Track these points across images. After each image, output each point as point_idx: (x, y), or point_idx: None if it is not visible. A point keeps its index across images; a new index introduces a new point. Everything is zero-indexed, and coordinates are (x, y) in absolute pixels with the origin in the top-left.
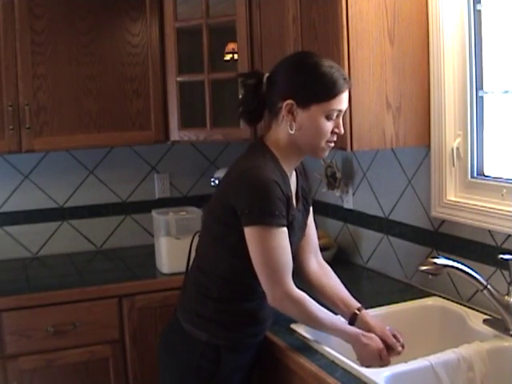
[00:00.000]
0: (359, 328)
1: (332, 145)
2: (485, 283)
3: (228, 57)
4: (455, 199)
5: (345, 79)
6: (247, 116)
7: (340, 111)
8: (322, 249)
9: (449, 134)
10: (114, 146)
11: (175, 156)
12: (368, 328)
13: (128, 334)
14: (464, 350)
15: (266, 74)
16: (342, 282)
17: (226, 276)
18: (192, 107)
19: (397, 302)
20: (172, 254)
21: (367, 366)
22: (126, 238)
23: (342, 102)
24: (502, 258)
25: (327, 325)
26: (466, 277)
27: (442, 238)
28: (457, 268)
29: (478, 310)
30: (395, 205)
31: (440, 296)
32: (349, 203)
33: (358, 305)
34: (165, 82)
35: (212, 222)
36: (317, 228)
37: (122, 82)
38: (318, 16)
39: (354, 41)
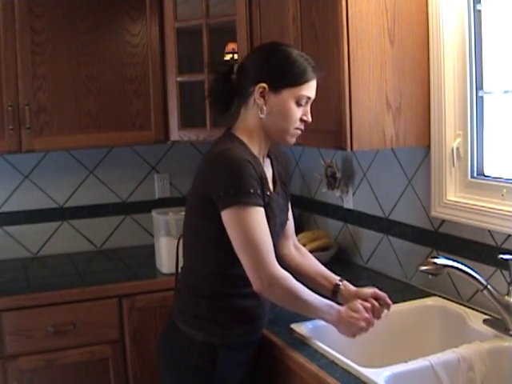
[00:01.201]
0: (344, 298)
1: (299, 132)
2: (485, 283)
3: (228, 57)
4: (455, 199)
5: (313, 68)
6: (217, 104)
7: (309, 98)
8: (322, 249)
9: (449, 134)
10: (114, 146)
11: (175, 156)
12: (352, 296)
13: (128, 334)
14: (464, 350)
15: (237, 63)
16: None
17: (214, 271)
18: (192, 107)
19: (397, 302)
20: (172, 254)
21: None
22: (126, 238)
23: (311, 89)
24: (502, 258)
25: (315, 304)
26: (466, 277)
27: (442, 237)
28: (457, 268)
29: (478, 310)
30: (395, 205)
31: (440, 296)
32: (349, 203)
33: (338, 277)
34: (165, 82)
35: (193, 219)
36: (317, 228)
37: (122, 82)
38: (318, 16)
39: (353, 41)
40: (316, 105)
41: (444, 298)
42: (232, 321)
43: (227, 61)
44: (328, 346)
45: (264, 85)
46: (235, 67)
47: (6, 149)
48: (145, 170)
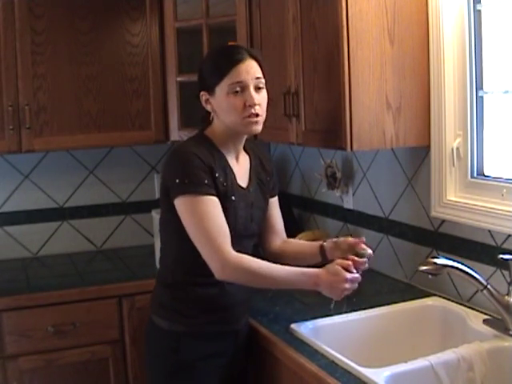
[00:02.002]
0: (331, 255)
1: (254, 119)
2: (485, 283)
3: None
4: (455, 199)
5: (239, 53)
6: (205, 121)
7: (240, 82)
8: None
9: (449, 134)
10: (114, 146)
11: None
12: (334, 250)
13: (128, 334)
14: (464, 350)
15: None
16: None
17: (177, 260)
18: (192, 107)
19: (397, 302)
20: None
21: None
22: (126, 238)
23: (239, 74)
24: (502, 258)
25: (282, 275)
26: (466, 277)
27: (442, 237)
28: (457, 268)
29: (478, 310)
30: (395, 205)
31: (440, 296)
32: (349, 203)
33: (320, 241)
34: (165, 81)
35: (161, 213)
36: (317, 228)
37: (122, 81)
38: (318, 16)
39: (353, 41)
40: (316, 105)
41: (444, 297)
42: (195, 309)
43: None
44: (328, 346)
45: (203, 92)
46: None
47: (6, 149)
48: (145, 170)
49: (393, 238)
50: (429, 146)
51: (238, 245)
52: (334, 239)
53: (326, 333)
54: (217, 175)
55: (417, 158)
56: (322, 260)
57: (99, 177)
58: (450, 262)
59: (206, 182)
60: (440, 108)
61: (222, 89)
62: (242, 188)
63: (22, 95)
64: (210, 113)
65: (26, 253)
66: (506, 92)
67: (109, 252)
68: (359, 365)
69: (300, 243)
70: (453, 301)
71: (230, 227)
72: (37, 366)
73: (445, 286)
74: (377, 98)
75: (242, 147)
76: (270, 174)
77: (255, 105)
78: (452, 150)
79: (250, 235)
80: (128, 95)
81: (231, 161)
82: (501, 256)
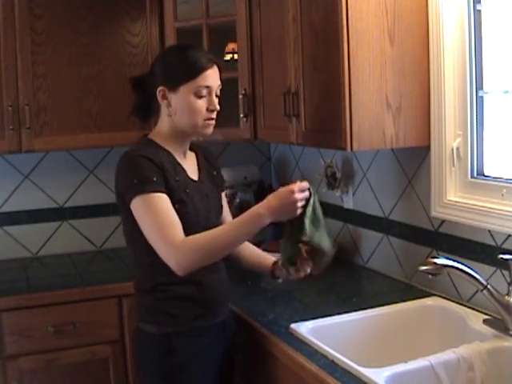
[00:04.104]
0: (280, 274)
1: (211, 122)
2: (485, 283)
3: (228, 57)
4: (455, 199)
5: (208, 58)
6: (136, 113)
7: (208, 87)
8: None
9: (449, 134)
10: (114, 146)
11: None
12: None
13: (128, 334)
14: (464, 350)
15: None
16: (341, 281)
17: (148, 263)
18: None
19: (397, 302)
20: None
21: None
22: None
23: (208, 78)
24: (502, 258)
25: (231, 229)
26: (466, 277)
27: (442, 238)
28: (457, 268)
29: (478, 310)
30: (395, 205)
31: (440, 296)
32: (349, 203)
33: (273, 258)
34: None
35: (123, 225)
36: None
37: (122, 82)
38: (317, 16)
39: (353, 41)
40: (316, 105)
41: (444, 297)
42: (179, 308)
43: (141, 74)
44: (328, 346)
45: (162, 87)
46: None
47: (6, 149)
48: None
49: (393, 238)
50: (429, 146)
51: None
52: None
53: (325, 333)
54: (168, 171)
55: (417, 158)
56: (272, 275)
57: (99, 177)
58: (450, 262)
59: (155, 179)
60: (440, 108)
61: (188, 89)
62: (194, 181)
63: (21, 95)
64: (150, 112)
65: (26, 253)
66: (506, 92)
67: (109, 252)
68: (359, 365)
69: (252, 252)
70: (453, 301)
71: (192, 220)
72: (37, 365)
73: (445, 286)
74: (377, 98)
75: (188, 146)
76: (216, 169)
77: (216, 110)
78: (452, 149)
79: (211, 225)
80: (128, 95)
81: (179, 158)
82: (501, 256)
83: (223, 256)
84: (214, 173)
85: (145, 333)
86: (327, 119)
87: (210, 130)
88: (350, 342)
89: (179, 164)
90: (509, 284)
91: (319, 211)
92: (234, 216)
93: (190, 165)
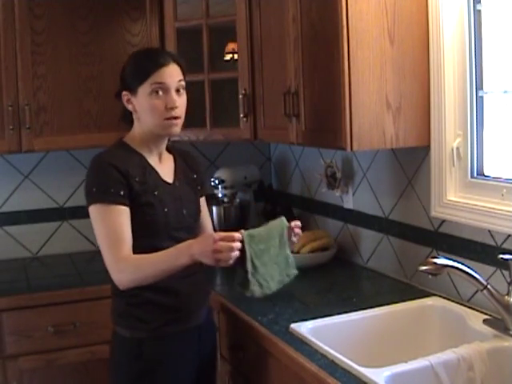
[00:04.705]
0: None
1: (174, 121)
2: (485, 283)
3: (228, 57)
4: (455, 199)
5: (164, 57)
6: (123, 121)
7: (162, 84)
8: (322, 249)
9: (449, 134)
10: None
11: None
12: None
13: None
14: (464, 350)
15: None
16: (341, 281)
17: None
18: (192, 107)
19: (397, 302)
20: None
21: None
22: None
23: (162, 75)
24: (502, 258)
25: (159, 257)
26: (466, 277)
27: (442, 238)
28: (457, 268)
29: (478, 310)
30: (395, 205)
31: (440, 296)
32: (349, 203)
33: None
34: None
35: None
36: (317, 228)
37: None
38: (317, 16)
39: (353, 41)
40: (316, 105)
41: (444, 298)
42: (150, 313)
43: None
44: (328, 346)
45: (125, 92)
46: None
47: (6, 149)
48: None
49: (393, 238)
50: (429, 146)
51: (171, 238)
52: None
53: (325, 333)
54: (132, 176)
55: (417, 157)
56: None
57: None
58: (450, 262)
59: (113, 190)
60: (440, 108)
61: (144, 89)
62: (168, 183)
63: (21, 95)
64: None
65: (26, 253)
66: (506, 92)
67: None
68: (359, 365)
69: None
70: (453, 301)
71: (160, 222)
72: (37, 365)
73: (445, 286)
74: (377, 98)
75: (164, 148)
76: (196, 172)
77: (176, 107)
78: (452, 149)
79: (185, 228)
80: None
81: (153, 161)
82: (501, 256)
83: (159, 279)
84: (194, 176)
85: (118, 336)
86: (327, 119)
87: (175, 129)
88: (350, 342)
89: (151, 167)
90: (509, 284)
91: (266, 258)
92: (235, 216)
93: (166, 167)
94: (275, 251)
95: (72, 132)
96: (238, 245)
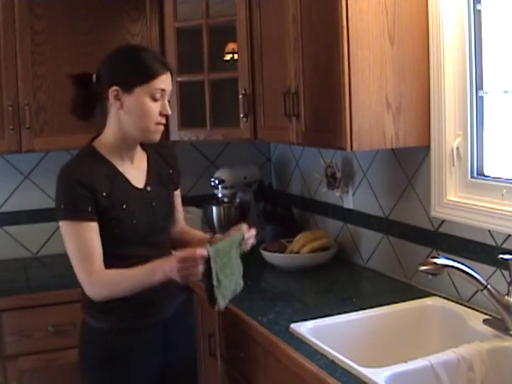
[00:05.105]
0: None
1: (161, 128)
2: (485, 283)
3: (228, 57)
4: (455, 199)
5: (162, 62)
6: (78, 112)
7: (163, 91)
8: (322, 249)
9: (449, 134)
10: None
11: None
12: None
13: None
14: (464, 350)
15: (95, 73)
16: (342, 281)
17: None
18: (192, 107)
19: (397, 302)
20: None
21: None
22: None
23: (163, 82)
24: (502, 258)
25: (132, 274)
26: (466, 277)
27: (442, 238)
28: (457, 268)
29: (478, 310)
30: (395, 205)
31: (440, 296)
32: (349, 203)
33: (209, 235)
34: None
35: None
36: (317, 228)
37: None
38: (317, 16)
39: (353, 41)
40: (316, 105)
41: (444, 298)
42: (115, 307)
43: (83, 72)
44: (328, 346)
45: (116, 87)
46: (94, 77)
47: (6, 149)
48: None
49: (393, 238)
50: (429, 146)
51: (144, 244)
52: (220, 236)
53: (325, 333)
54: (99, 192)
55: (417, 157)
56: None
57: None
58: (450, 262)
59: (82, 207)
60: (440, 108)
61: (143, 91)
62: (138, 189)
63: (21, 95)
64: (91, 111)
65: (25, 253)
66: (506, 92)
67: None
68: (359, 365)
69: (191, 235)
70: (453, 301)
71: (130, 233)
72: (37, 365)
73: (445, 286)
74: (377, 98)
75: (135, 151)
76: (172, 166)
77: (168, 115)
78: (452, 149)
79: (159, 230)
80: None
81: (122, 166)
82: (501, 256)
83: (132, 293)
84: (170, 171)
85: (86, 324)
86: (327, 119)
87: (159, 136)
88: (350, 342)
89: (121, 174)
90: (509, 284)
91: (228, 270)
92: (235, 216)
93: (137, 172)
94: (234, 262)
95: (72, 132)
96: (201, 262)
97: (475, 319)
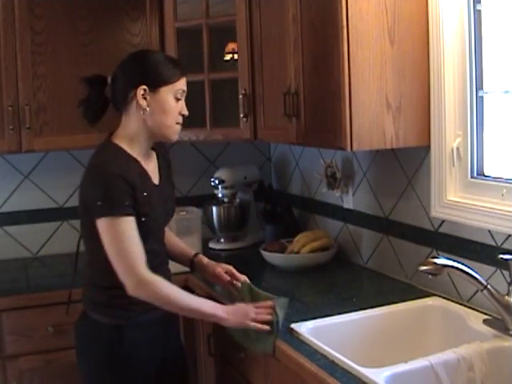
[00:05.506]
0: (198, 269)
1: (180, 127)
2: (485, 283)
3: (228, 57)
4: (455, 199)
5: (181, 66)
6: (90, 115)
7: (184, 92)
8: (322, 249)
9: (449, 134)
10: None
11: (175, 156)
12: (205, 270)
13: None
14: (464, 350)
15: (110, 76)
16: (342, 281)
17: (106, 267)
18: (192, 107)
19: (397, 302)
20: None
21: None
22: None
23: (184, 84)
24: (502, 258)
25: (183, 306)
26: (466, 277)
27: (442, 238)
28: (457, 268)
29: (478, 310)
30: (395, 205)
31: (440, 296)
32: (349, 203)
33: (193, 252)
34: None
35: (80, 222)
36: (317, 228)
37: None
38: (317, 16)
39: (353, 41)
40: (316, 105)
41: (444, 298)
42: (132, 304)
43: (97, 75)
44: (328, 346)
45: (144, 86)
46: (109, 80)
47: (6, 149)
48: None
49: (393, 238)
50: (429, 146)
51: (156, 241)
52: (206, 261)
53: (326, 333)
54: (137, 188)
55: (417, 157)
56: (190, 269)
57: None
58: (450, 262)
59: (127, 203)
60: (440, 108)
61: (169, 90)
62: (156, 186)
63: (21, 95)
64: (102, 113)
65: (25, 253)
66: (506, 92)
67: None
68: (359, 365)
69: (175, 245)
70: (453, 301)
71: (153, 229)
72: (37, 366)
73: (445, 286)
74: (377, 98)
75: (149, 149)
76: (169, 162)
77: (186, 115)
78: (452, 150)
79: (164, 226)
80: None
81: (144, 164)
82: (501, 256)
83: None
84: (170, 169)
85: (94, 321)
86: (327, 119)
87: (177, 135)
88: (350, 341)
89: (146, 172)
90: (509, 284)
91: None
92: (235, 216)
93: (152, 168)
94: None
95: (72, 132)
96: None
97: (475, 319)
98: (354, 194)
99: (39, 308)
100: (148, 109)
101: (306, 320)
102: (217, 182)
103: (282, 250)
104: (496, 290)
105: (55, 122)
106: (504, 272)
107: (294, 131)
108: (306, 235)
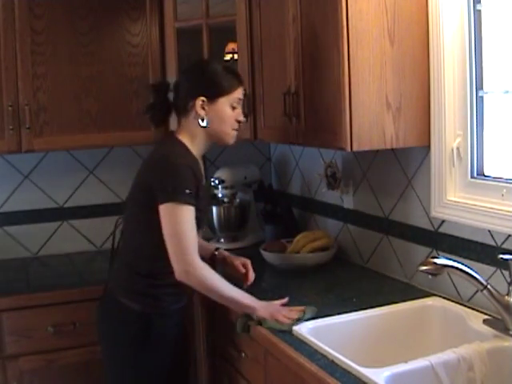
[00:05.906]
0: (219, 263)
1: (236, 132)
2: (485, 283)
3: (228, 57)
4: (455, 199)
5: (238, 75)
6: (156, 120)
7: (241, 100)
8: (322, 249)
9: (449, 134)
10: (114, 146)
11: None
12: (225, 262)
13: None
14: (464, 350)
15: (172, 83)
16: (342, 281)
17: (151, 254)
18: None
19: (397, 302)
20: None
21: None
22: None
23: (240, 93)
24: (502, 258)
25: (224, 294)
26: (466, 277)
27: (442, 237)
28: (457, 268)
29: (478, 310)
30: (395, 205)
31: (440, 296)
32: (349, 203)
33: (215, 246)
34: None
35: (135, 207)
36: (317, 228)
37: (122, 82)
38: (317, 16)
39: (354, 41)
40: (316, 105)
41: (444, 298)
42: (165, 294)
43: (162, 81)
44: (328, 346)
45: (203, 98)
46: (171, 85)
47: (5, 149)
48: None
49: (393, 238)
50: (429, 146)
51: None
52: (226, 254)
53: (326, 333)
54: (200, 181)
55: (417, 158)
56: (212, 263)
57: (99, 177)
58: (450, 262)
59: (192, 193)
60: (440, 108)
61: (226, 101)
62: (205, 191)
63: (21, 95)
64: (167, 117)
65: (25, 253)
66: (506, 92)
67: (109, 252)
68: (359, 365)
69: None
70: (453, 301)
71: (199, 225)
72: (37, 366)
73: (445, 286)
74: (377, 98)
75: None
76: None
77: (242, 122)
78: (452, 150)
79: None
80: (128, 95)
81: (201, 165)
82: (501, 256)
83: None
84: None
85: (126, 308)
86: (327, 119)
87: (234, 140)
88: (350, 342)
89: (201, 172)
90: (509, 284)
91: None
92: (235, 216)
93: (202, 169)
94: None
95: (72, 132)
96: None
97: (475, 319)
98: (354, 194)
99: (39, 308)
100: (206, 118)
101: (305, 320)
102: (217, 181)
103: (282, 250)
104: (496, 290)
105: (55, 122)
106: (504, 272)
107: (294, 131)
108: (305, 235)
